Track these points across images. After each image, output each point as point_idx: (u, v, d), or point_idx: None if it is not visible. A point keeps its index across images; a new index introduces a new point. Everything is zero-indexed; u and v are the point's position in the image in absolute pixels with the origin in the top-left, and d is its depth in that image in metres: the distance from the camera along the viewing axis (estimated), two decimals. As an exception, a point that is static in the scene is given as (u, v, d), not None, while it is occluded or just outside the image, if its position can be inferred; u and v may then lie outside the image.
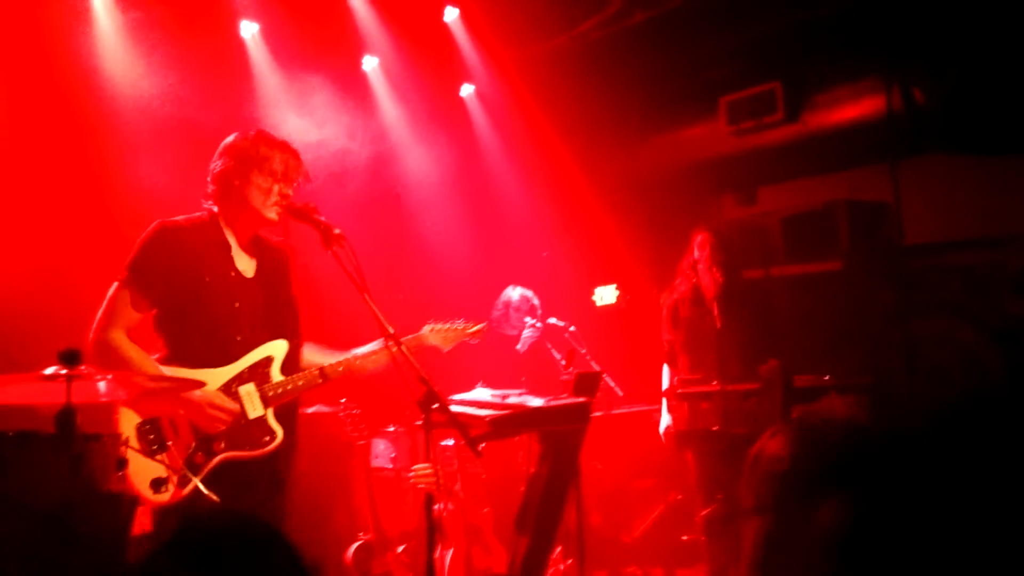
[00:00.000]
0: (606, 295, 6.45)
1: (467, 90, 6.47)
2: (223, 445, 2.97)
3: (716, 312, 4.65)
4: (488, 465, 4.97)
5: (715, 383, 4.51)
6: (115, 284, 3.00)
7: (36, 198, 4.44)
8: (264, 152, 3.09)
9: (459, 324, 3.62)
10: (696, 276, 4.81)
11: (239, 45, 5.36)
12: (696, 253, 4.81)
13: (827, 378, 4.44)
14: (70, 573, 2.21)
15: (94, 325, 2.95)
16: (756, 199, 6.60)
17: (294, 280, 3.28)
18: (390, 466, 5.23)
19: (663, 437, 4.85)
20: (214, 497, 2.77)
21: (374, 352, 3.23)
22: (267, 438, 3.04)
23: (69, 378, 2.31)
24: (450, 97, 6.41)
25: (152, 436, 2.88)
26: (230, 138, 3.18)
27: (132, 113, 4.74)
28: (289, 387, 3.10)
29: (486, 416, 3.24)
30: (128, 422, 2.86)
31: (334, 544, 4.69)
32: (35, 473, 2.34)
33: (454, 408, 3.09)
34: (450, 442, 4.97)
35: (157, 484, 2.79)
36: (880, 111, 5.05)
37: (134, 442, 2.82)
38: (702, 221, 5.61)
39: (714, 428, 4.51)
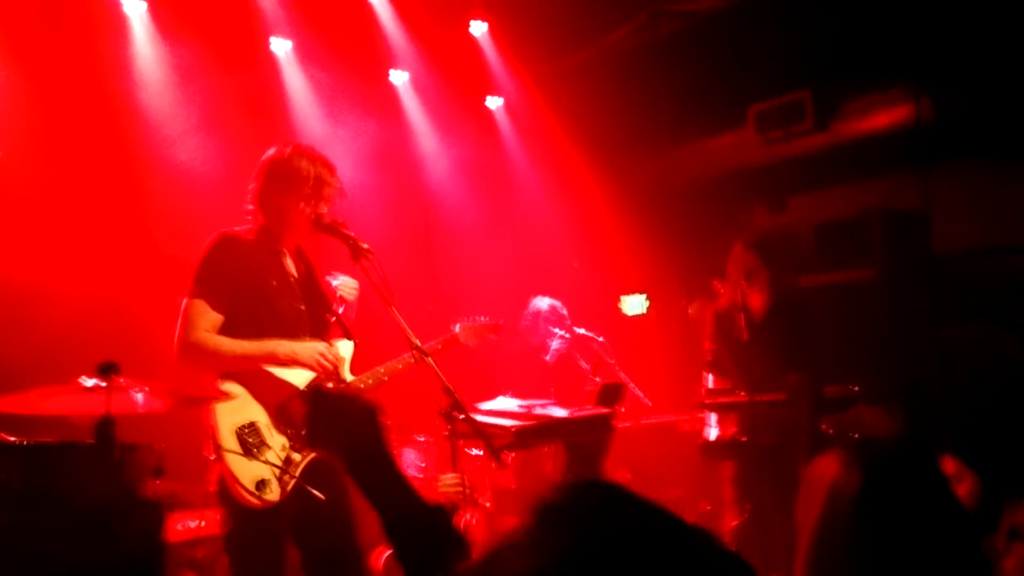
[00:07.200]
0: (634, 304, 6.46)
1: (494, 102, 6.53)
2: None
3: (744, 323, 4.65)
4: (517, 475, 5.00)
5: (742, 393, 4.50)
6: (186, 299, 3.05)
7: (76, 209, 4.57)
8: (298, 169, 3.17)
9: (483, 320, 3.86)
10: (736, 289, 4.78)
11: (271, 60, 5.48)
12: (736, 267, 4.79)
13: (856, 389, 4.41)
14: (106, 573, 2.30)
15: (176, 338, 3.00)
16: (786, 208, 6.57)
17: (323, 285, 3.40)
18: (419, 476, 5.29)
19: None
20: (319, 495, 2.88)
21: (410, 361, 3.33)
22: None
23: (108, 389, 2.39)
24: (477, 109, 6.48)
25: (251, 438, 2.95)
26: (267, 154, 3.26)
27: (170, 124, 4.87)
28: (362, 385, 3.29)
29: (510, 426, 3.28)
30: (226, 426, 2.92)
31: (362, 550, 4.75)
32: (76, 481, 2.43)
33: (479, 418, 3.13)
34: (478, 451, 5.01)
35: (261, 485, 2.88)
36: (909, 118, 5.02)
37: (234, 445, 2.90)
38: (732, 230, 5.60)
39: (742, 439, 4.50)
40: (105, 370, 2.36)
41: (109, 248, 4.59)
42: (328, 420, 1.49)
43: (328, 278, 3.40)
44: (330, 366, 3.12)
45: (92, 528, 2.37)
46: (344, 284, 3.41)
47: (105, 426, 2.40)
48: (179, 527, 3.73)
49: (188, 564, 3.78)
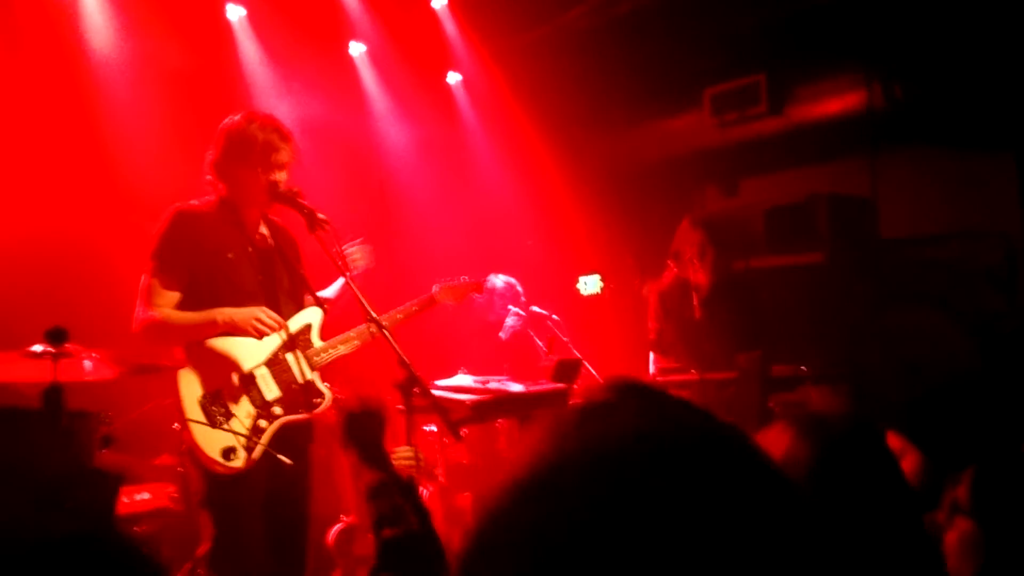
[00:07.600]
0: (590, 284, 6.50)
1: (453, 78, 6.49)
2: (281, 409, 3.07)
3: (696, 302, 4.71)
4: (471, 450, 5.01)
5: (693, 372, 4.57)
6: (144, 276, 3.02)
7: (23, 177, 4.44)
8: (251, 136, 3.12)
9: (464, 279, 3.79)
10: (684, 267, 4.84)
11: (226, 28, 5.36)
12: (685, 245, 4.85)
13: (804, 369, 4.51)
14: (57, 547, 2.24)
15: (135, 315, 2.98)
16: (738, 191, 6.66)
17: (302, 255, 3.36)
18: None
19: None
20: (286, 460, 2.90)
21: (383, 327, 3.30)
22: (317, 400, 3.17)
23: (55, 356, 2.33)
24: (436, 84, 6.43)
25: (216, 407, 2.95)
26: (223, 123, 3.20)
27: (122, 93, 4.75)
28: (332, 352, 3.24)
29: (467, 401, 3.28)
30: (190, 396, 2.91)
31: (315, 525, 4.72)
32: (24, 449, 2.37)
33: (435, 393, 3.13)
34: (433, 427, 5.00)
35: (227, 453, 2.88)
36: (861, 105, 5.11)
37: (199, 415, 2.89)
38: (686, 212, 5.65)
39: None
40: (54, 336, 2.30)
41: (60, 212, 4.48)
42: (357, 428, 1.98)
43: (345, 246, 3.35)
44: (266, 330, 3.08)
45: (39, 496, 2.31)
46: (354, 253, 3.38)
47: (53, 393, 2.35)
48: (126, 500, 3.67)
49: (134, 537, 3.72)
